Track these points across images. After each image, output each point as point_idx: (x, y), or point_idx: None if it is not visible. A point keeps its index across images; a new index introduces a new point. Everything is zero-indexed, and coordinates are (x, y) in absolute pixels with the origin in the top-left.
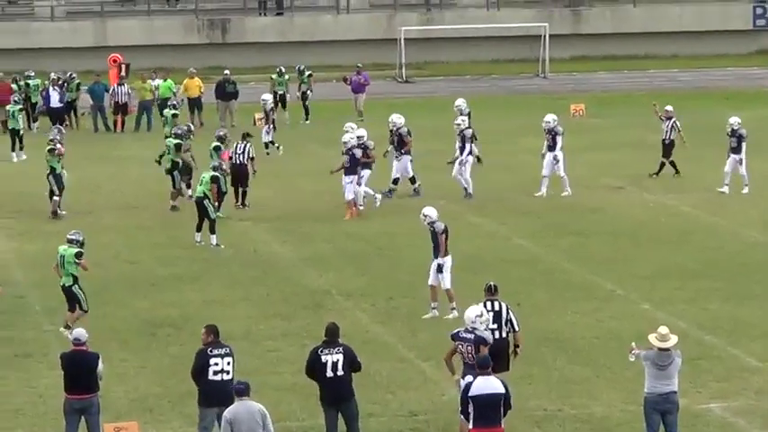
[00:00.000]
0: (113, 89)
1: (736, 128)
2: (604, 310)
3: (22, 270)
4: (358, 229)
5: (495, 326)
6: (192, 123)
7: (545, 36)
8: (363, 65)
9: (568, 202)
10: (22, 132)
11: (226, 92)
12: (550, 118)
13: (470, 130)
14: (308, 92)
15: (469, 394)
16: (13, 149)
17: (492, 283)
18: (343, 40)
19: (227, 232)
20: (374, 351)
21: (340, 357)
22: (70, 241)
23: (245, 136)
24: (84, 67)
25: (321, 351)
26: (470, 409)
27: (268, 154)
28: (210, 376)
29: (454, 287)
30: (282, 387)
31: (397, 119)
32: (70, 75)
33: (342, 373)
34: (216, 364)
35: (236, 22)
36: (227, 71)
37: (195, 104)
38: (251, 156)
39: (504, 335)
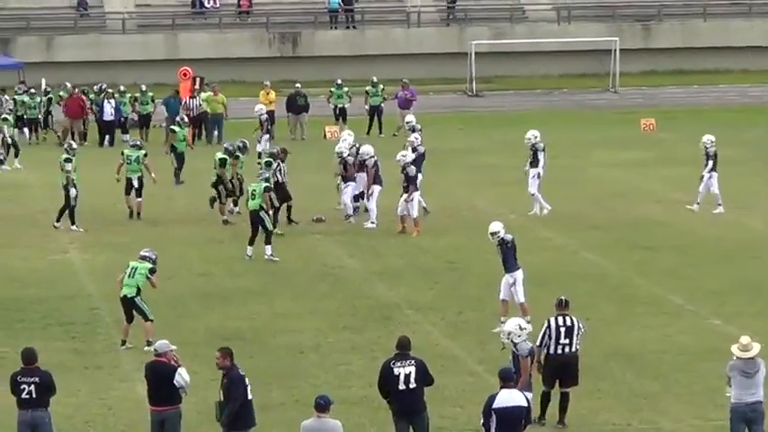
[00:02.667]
0: (185, 102)
1: (708, 146)
2: (673, 324)
3: (94, 282)
4: (427, 244)
5: (567, 341)
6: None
7: (615, 50)
8: (433, 79)
9: (637, 215)
10: (11, 142)
11: (297, 105)
12: (531, 134)
13: (423, 148)
14: (382, 105)
15: (493, 407)
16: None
17: (563, 298)
18: (413, 54)
19: (297, 245)
20: (443, 365)
21: (412, 370)
22: (143, 258)
23: (277, 155)
24: (156, 80)
25: (393, 364)
26: (492, 422)
27: (259, 164)
28: (250, 396)
29: (526, 302)
30: (352, 401)
31: (337, 148)
32: (144, 88)
33: (414, 385)
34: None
35: (307, 35)
36: (298, 84)
37: (268, 117)
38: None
39: (574, 349)
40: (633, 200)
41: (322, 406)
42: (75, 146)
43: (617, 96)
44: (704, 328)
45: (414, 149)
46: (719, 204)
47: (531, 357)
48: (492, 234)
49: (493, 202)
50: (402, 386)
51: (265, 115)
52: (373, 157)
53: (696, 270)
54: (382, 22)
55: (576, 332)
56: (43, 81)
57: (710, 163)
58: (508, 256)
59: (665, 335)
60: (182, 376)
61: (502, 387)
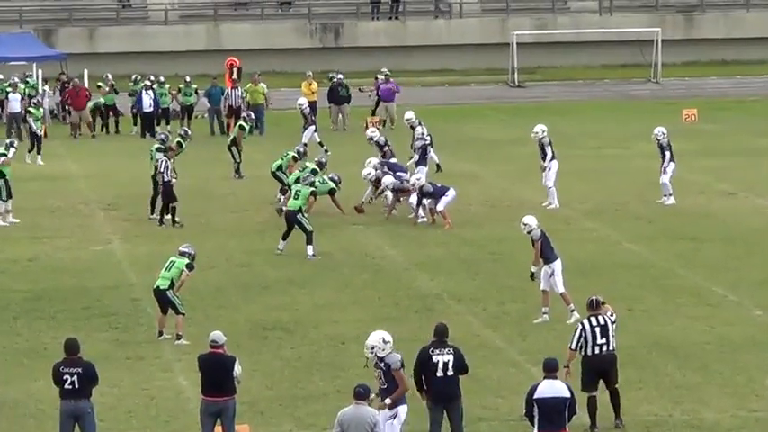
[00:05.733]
0: (227, 92)
1: (659, 138)
2: (716, 315)
3: (135, 273)
4: (469, 234)
5: (604, 340)
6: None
7: (657, 41)
8: (475, 69)
9: (680, 207)
10: (37, 135)
11: (339, 96)
12: (539, 129)
13: (424, 141)
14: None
15: (534, 397)
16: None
17: (594, 298)
18: (455, 45)
19: (338, 236)
20: (484, 355)
21: (450, 358)
22: (182, 253)
23: (166, 150)
24: (198, 71)
25: (432, 351)
26: (535, 412)
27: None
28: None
29: (566, 291)
30: None
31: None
32: (188, 79)
33: (451, 373)
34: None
35: (349, 26)
36: (340, 75)
37: (311, 108)
38: (164, 168)
39: (611, 348)
40: (676, 191)
41: (361, 394)
42: (169, 136)
43: (659, 87)
44: (747, 319)
45: (416, 147)
46: (667, 196)
47: (404, 367)
48: (523, 225)
49: (535, 193)
50: (440, 373)
51: (308, 108)
52: (406, 172)
53: (739, 261)
54: (424, 13)
55: (611, 330)
56: (86, 72)
57: (667, 154)
58: (544, 247)
59: (708, 326)
60: (239, 367)
61: (545, 377)
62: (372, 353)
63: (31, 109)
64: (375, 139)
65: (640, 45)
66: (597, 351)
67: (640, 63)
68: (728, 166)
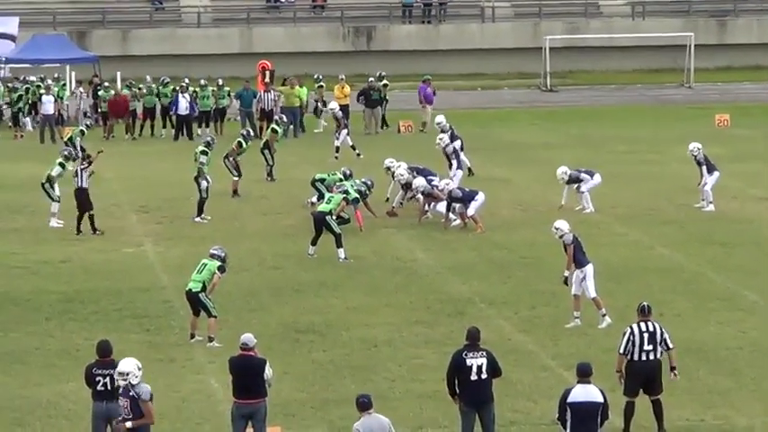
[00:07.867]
0: (260, 95)
1: (695, 153)
2: (748, 320)
3: (167, 275)
4: (501, 238)
5: (651, 347)
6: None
7: (690, 46)
8: (508, 73)
9: (713, 212)
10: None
11: (371, 99)
12: (561, 173)
13: (452, 146)
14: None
15: (568, 401)
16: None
17: (645, 304)
18: (488, 49)
19: (370, 239)
20: (516, 359)
21: (484, 361)
22: (213, 256)
23: (84, 158)
24: (230, 74)
25: (466, 354)
26: (568, 417)
27: (336, 158)
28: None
29: (598, 296)
30: (425, 394)
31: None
32: (221, 82)
33: (485, 376)
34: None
35: (382, 29)
36: (371, 78)
37: (343, 111)
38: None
39: (658, 356)
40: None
41: (365, 404)
42: (215, 140)
43: (691, 92)
44: None
45: (447, 153)
46: (706, 202)
47: (152, 399)
48: (555, 229)
49: (555, 199)
50: (474, 377)
51: (340, 112)
52: (435, 176)
53: None
54: (457, 17)
55: (659, 338)
56: (118, 74)
57: (704, 168)
58: (576, 251)
59: (740, 331)
60: (270, 369)
61: (578, 382)
62: (126, 380)
63: (83, 128)
64: (403, 180)
65: (673, 50)
66: (644, 357)
67: (673, 68)
68: (761, 171)
